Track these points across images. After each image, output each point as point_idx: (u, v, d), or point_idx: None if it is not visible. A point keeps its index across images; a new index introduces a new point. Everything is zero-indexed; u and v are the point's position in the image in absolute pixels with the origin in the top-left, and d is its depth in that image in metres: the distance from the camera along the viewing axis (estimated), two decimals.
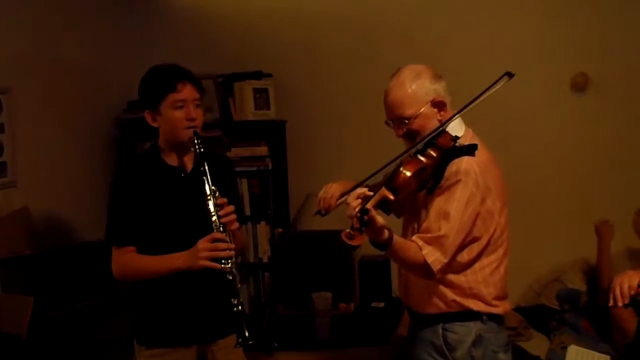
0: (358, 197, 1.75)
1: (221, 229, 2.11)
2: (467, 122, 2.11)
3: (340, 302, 3.54)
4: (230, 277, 2.08)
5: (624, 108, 3.73)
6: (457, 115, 2.00)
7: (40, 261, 3.08)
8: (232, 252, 2.09)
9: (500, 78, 1.98)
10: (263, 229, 3.84)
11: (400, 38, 3.87)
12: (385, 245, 1.82)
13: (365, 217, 1.68)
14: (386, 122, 2.08)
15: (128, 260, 2.18)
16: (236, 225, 2.17)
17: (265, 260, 3.82)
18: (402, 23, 3.89)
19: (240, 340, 2.06)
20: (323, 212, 2.13)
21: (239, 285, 2.10)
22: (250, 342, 2.06)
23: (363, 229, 1.70)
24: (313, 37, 4.00)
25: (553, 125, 3.81)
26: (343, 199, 2.06)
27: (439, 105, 2.00)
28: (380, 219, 1.74)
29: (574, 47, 3.74)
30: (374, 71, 3.72)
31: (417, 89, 1.98)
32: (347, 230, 1.72)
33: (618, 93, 3.72)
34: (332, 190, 2.13)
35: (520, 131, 3.80)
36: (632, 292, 1.84)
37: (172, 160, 2.23)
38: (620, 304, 1.84)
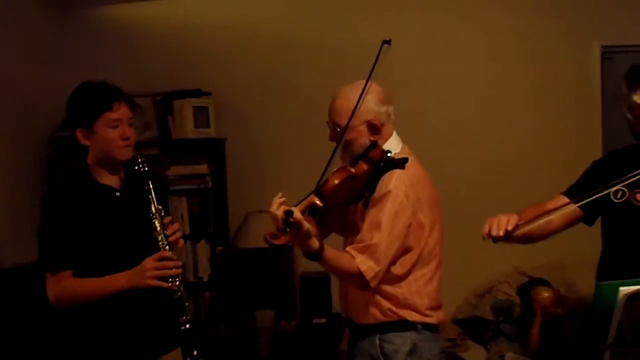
0: (282, 202, 1.82)
1: (167, 247, 2.11)
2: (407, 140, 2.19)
3: (281, 319, 3.56)
4: (178, 295, 2.09)
5: (540, 112, 3.92)
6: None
7: None
8: (180, 270, 2.11)
9: (380, 49, 2.07)
10: (203, 247, 3.82)
11: (338, 59, 3.93)
12: (317, 255, 1.87)
13: (290, 219, 1.73)
14: (327, 122, 2.14)
15: (65, 285, 2.13)
16: (182, 242, 2.19)
17: (205, 279, 3.80)
18: (339, 45, 3.96)
19: (188, 359, 2.07)
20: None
21: (187, 303, 2.12)
22: None
23: (287, 229, 1.75)
24: (253, 54, 4.04)
25: (479, 141, 3.95)
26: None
27: (373, 127, 2.06)
28: (307, 224, 1.79)
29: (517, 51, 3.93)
30: (313, 89, 3.82)
31: (359, 105, 2.03)
32: (271, 230, 1.78)
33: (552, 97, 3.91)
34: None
35: (450, 147, 3.93)
36: (509, 227, 1.86)
37: (103, 179, 2.21)
38: (494, 233, 1.86)
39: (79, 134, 2.18)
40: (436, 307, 2.08)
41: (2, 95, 3.54)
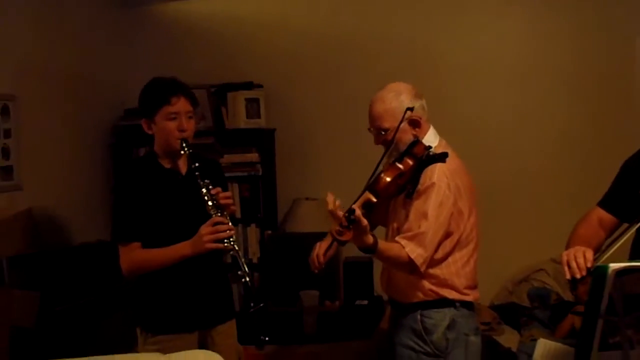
0: (337, 203, 1.97)
1: (218, 213, 2.30)
2: (445, 131, 2.36)
3: (326, 299, 3.75)
4: (234, 253, 2.28)
5: (596, 107, 3.97)
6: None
7: (44, 259, 3.25)
8: (233, 232, 2.29)
9: (404, 115, 2.20)
10: (253, 231, 4.02)
11: (386, 50, 4.09)
12: (372, 248, 2.04)
13: (352, 216, 1.91)
14: (369, 129, 2.32)
15: (136, 255, 2.36)
16: (234, 208, 2.40)
17: (255, 261, 4.00)
18: (389, 36, 4.11)
19: (252, 304, 2.30)
20: (316, 271, 2.37)
21: (243, 259, 2.30)
22: (262, 305, 2.30)
23: (350, 226, 1.93)
24: (302, 49, 4.20)
25: (523, 133, 4.06)
26: (330, 252, 2.33)
27: (414, 122, 2.24)
28: (365, 220, 1.96)
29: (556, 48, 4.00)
30: (359, 81, 4.00)
31: (396, 105, 2.21)
32: (337, 227, 1.94)
33: (590, 92, 3.97)
34: (317, 250, 2.36)
35: (494, 137, 4.05)
36: (589, 265, 1.82)
37: (167, 164, 2.44)
38: (578, 275, 1.82)
39: (144, 124, 2.41)
40: (473, 287, 2.26)
41: (69, 87, 3.79)
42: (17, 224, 3.31)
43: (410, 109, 2.19)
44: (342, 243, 1.97)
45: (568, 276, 1.83)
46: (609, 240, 2.03)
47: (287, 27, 4.23)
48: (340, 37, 4.17)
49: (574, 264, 1.82)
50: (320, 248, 2.33)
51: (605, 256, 1.88)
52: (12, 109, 3.32)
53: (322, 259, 2.33)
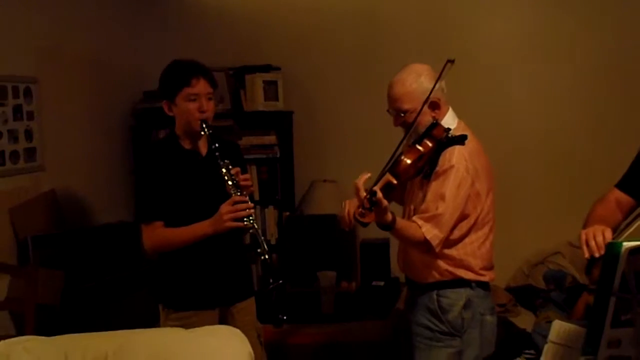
0: (363, 182, 1.99)
1: (238, 193, 2.34)
2: (464, 113, 2.37)
3: (343, 280, 3.80)
4: (253, 231, 2.32)
5: (616, 96, 3.94)
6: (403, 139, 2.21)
7: (67, 239, 3.33)
8: (252, 211, 2.34)
9: (444, 67, 2.17)
10: (271, 213, 4.06)
11: (405, 34, 4.08)
12: (390, 226, 2.07)
13: (374, 198, 1.93)
14: (388, 110, 2.34)
15: (158, 233, 2.41)
16: (252, 189, 2.43)
17: (273, 242, 4.04)
18: (407, 19, 4.09)
19: (271, 281, 2.36)
20: (347, 229, 2.31)
21: (262, 238, 2.34)
22: (280, 282, 2.37)
23: (372, 208, 1.95)
24: (319, 32, 4.20)
25: (543, 115, 4.04)
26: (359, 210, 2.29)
27: (433, 104, 2.25)
28: (385, 201, 1.99)
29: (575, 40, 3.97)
30: (377, 65, 4.01)
31: (416, 87, 2.23)
32: (359, 209, 1.97)
33: (611, 84, 3.94)
34: (347, 207, 2.29)
35: (512, 120, 4.04)
36: (607, 243, 1.78)
37: (188, 145, 2.48)
38: (597, 254, 1.80)
39: (164, 106, 2.45)
40: (489, 268, 2.29)
41: (89, 69, 3.85)
42: (40, 205, 3.40)
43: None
44: (365, 224, 1.99)
45: (587, 255, 1.82)
46: (627, 221, 2.03)
47: (304, 8, 4.22)
48: (358, 19, 4.16)
49: (592, 243, 1.81)
50: (350, 206, 2.29)
51: (625, 235, 1.88)
52: (34, 91, 3.38)
53: (352, 217, 2.31)
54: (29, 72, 3.36)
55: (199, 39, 4.24)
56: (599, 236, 1.81)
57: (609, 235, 1.83)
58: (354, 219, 2.00)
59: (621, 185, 2.13)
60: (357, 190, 1.97)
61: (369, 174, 2.02)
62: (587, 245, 1.82)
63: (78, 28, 3.76)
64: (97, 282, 3.25)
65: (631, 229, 1.91)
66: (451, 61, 2.14)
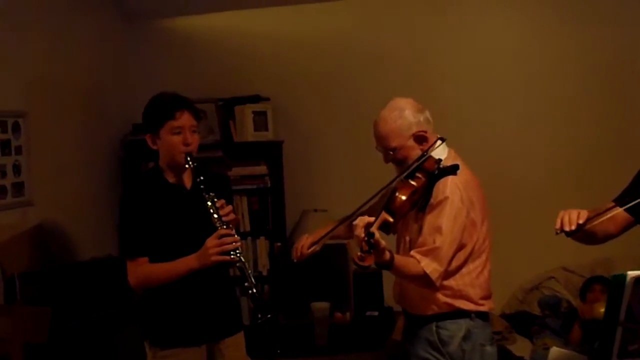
0: (362, 224, 1.95)
1: (224, 226, 2.32)
2: (454, 140, 2.36)
3: (336, 311, 3.76)
4: (240, 265, 2.30)
5: (604, 115, 3.98)
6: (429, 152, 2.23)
7: (55, 275, 3.25)
8: (238, 244, 2.31)
9: (434, 142, 2.24)
10: (262, 243, 4.03)
11: (392, 62, 4.13)
12: (389, 265, 2.03)
13: (372, 240, 1.90)
14: (376, 148, 2.33)
15: (143, 270, 2.38)
16: (238, 218, 2.45)
17: (264, 273, 4.00)
18: (393, 52, 4.15)
19: (260, 315, 2.32)
20: (295, 260, 2.44)
21: (250, 271, 2.32)
22: (269, 316, 2.33)
23: (371, 250, 1.92)
24: (308, 62, 4.24)
25: (533, 144, 4.07)
26: (312, 248, 2.40)
27: (420, 138, 2.24)
28: (383, 242, 1.95)
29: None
30: (365, 93, 4.03)
31: (400, 123, 2.22)
32: (358, 253, 1.93)
33: (598, 100, 3.98)
34: (303, 241, 2.43)
35: (504, 148, 4.07)
36: (581, 221, 1.86)
37: (172, 179, 2.45)
38: (567, 228, 1.86)
39: (148, 139, 2.43)
40: (487, 297, 2.26)
41: (78, 102, 3.81)
42: (27, 241, 3.33)
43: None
44: (365, 268, 1.95)
45: (557, 226, 1.89)
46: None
47: (292, 40, 4.26)
48: (346, 50, 4.20)
49: (566, 218, 1.87)
50: (306, 241, 2.41)
51: (601, 219, 1.93)
52: (22, 125, 3.34)
53: (305, 251, 2.41)
54: (17, 106, 3.32)
55: (188, 71, 4.25)
56: (573, 213, 1.88)
57: (584, 214, 1.89)
58: (353, 263, 1.98)
59: (619, 201, 2.11)
60: (356, 238, 1.95)
61: (370, 219, 1.98)
62: (562, 220, 1.87)
63: (67, 60, 3.74)
64: (84, 319, 3.16)
65: (609, 215, 1.95)
66: (442, 139, 2.24)
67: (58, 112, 3.65)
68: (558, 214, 1.92)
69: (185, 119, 2.37)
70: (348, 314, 3.79)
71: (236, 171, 3.95)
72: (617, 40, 3.96)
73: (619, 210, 2.02)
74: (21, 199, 3.32)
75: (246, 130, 4.04)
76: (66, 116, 3.73)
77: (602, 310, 3.19)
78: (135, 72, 4.27)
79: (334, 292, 3.80)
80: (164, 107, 2.39)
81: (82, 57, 3.88)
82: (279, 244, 4.03)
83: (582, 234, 1.93)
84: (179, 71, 4.24)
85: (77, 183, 3.80)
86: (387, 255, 2.00)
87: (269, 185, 4.03)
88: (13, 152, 3.28)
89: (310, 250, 2.40)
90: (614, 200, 2.14)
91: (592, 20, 3.98)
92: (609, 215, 1.95)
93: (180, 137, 2.36)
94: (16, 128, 3.30)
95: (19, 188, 3.31)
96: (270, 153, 4.07)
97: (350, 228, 2.13)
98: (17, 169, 3.30)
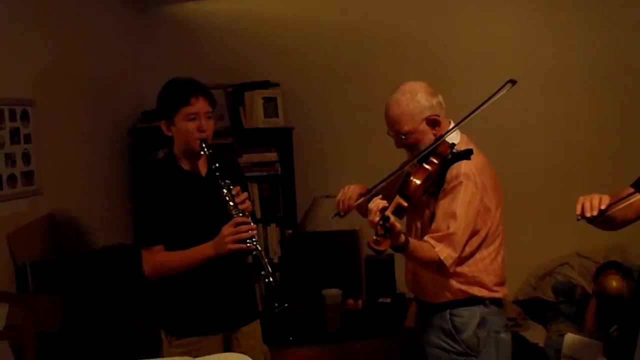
0: (377, 209, 1.93)
1: (240, 214, 2.29)
2: (466, 125, 2.31)
3: (348, 298, 3.73)
4: (256, 253, 2.27)
5: (622, 105, 3.88)
6: (454, 128, 2.18)
7: (67, 264, 3.26)
8: (254, 232, 2.29)
9: (503, 86, 2.13)
10: (273, 230, 4.01)
11: (403, 45, 4.05)
12: (403, 247, 2.00)
13: (387, 224, 1.87)
14: (388, 133, 2.28)
15: (159, 258, 2.36)
16: (250, 208, 2.37)
17: (276, 260, 3.99)
18: (404, 37, 4.06)
19: (276, 304, 2.28)
20: (342, 213, 2.29)
21: (266, 259, 2.29)
22: (286, 305, 2.28)
23: (387, 234, 1.89)
24: (317, 47, 4.19)
25: (546, 126, 3.99)
26: (361, 199, 2.25)
27: (433, 122, 2.19)
28: (399, 225, 1.93)
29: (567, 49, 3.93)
30: (376, 77, 3.97)
31: (413, 107, 2.17)
32: (374, 237, 1.90)
33: (606, 92, 3.90)
34: (349, 192, 2.29)
35: (515, 132, 3.99)
36: (603, 207, 1.79)
37: (187, 166, 2.42)
38: (588, 214, 1.80)
39: (163, 126, 2.39)
40: (501, 283, 2.23)
41: (87, 90, 3.81)
42: (39, 229, 3.34)
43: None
44: (381, 252, 1.91)
45: (578, 212, 1.82)
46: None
47: (302, 24, 4.21)
48: (357, 34, 4.14)
49: (587, 204, 1.80)
50: (353, 191, 2.26)
51: (624, 204, 1.86)
52: (31, 114, 3.33)
53: (352, 203, 2.26)
54: (25, 95, 3.31)
55: (197, 57, 4.22)
56: (595, 199, 1.81)
57: (606, 200, 1.81)
58: (368, 247, 1.92)
59: (636, 185, 2.07)
60: (370, 223, 1.92)
61: (385, 202, 1.95)
62: (583, 206, 1.81)
63: (75, 48, 3.72)
64: (97, 308, 3.18)
65: (631, 200, 1.88)
66: (513, 81, 2.10)
67: (66, 100, 3.65)
68: (578, 200, 1.86)
69: (200, 105, 2.33)
70: (360, 301, 3.76)
71: (246, 158, 3.93)
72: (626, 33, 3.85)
73: (639, 197, 1.96)
74: (31, 188, 3.32)
75: (256, 117, 4.00)
76: (75, 104, 3.73)
77: (615, 283, 3.25)
78: (143, 59, 4.26)
79: (346, 279, 3.77)
80: (179, 92, 2.35)
81: (91, 45, 3.86)
82: (290, 231, 4.01)
83: (602, 220, 1.88)
84: (187, 57, 4.21)
85: (87, 171, 3.80)
86: (403, 238, 1.97)
87: (280, 171, 3.99)
88: (22, 141, 3.27)
89: (358, 202, 2.26)
90: (631, 185, 2.10)
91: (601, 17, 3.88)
92: (631, 201, 1.89)
93: (195, 124, 2.33)
94: (25, 117, 3.29)
95: (28, 177, 3.31)
96: (281, 139, 4.04)
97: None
98: (26, 158, 3.30)
